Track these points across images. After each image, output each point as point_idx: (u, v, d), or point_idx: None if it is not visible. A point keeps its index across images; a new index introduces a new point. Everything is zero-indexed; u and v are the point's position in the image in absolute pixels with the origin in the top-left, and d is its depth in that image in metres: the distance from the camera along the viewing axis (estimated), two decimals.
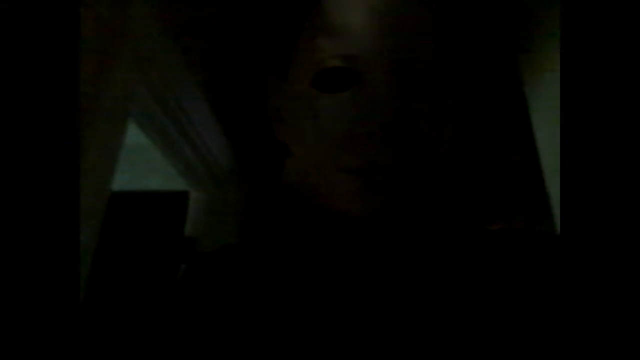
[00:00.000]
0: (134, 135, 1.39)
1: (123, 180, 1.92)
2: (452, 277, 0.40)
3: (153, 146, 1.39)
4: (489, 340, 0.36)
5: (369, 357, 0.36)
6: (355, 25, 0.40)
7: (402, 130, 0.38)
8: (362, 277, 0.40)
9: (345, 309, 0.38)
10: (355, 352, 0.36)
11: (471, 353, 0.36)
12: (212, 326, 0.40)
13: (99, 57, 0.78)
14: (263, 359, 0.37)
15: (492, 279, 0.40)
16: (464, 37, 0.46)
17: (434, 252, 0.42)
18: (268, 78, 0.48)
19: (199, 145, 1.32)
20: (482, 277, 0.40)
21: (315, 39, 0.41)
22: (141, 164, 1.87)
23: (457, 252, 0.42)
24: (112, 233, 1.45)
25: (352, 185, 0.39)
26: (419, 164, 0.40)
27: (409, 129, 0.39)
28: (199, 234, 1.61)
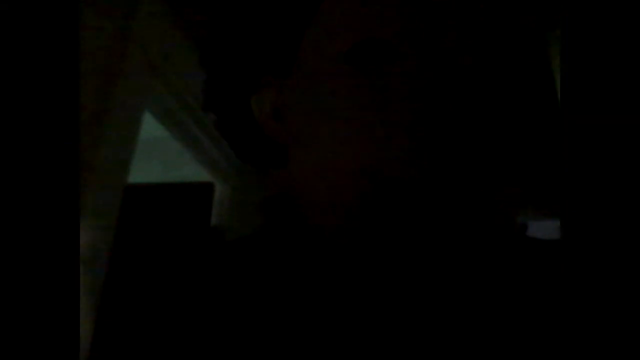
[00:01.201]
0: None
1: (157, 170, 1.98)
2: (456, 280, 0.40)
3: None
4: (490, 344, 0.36)
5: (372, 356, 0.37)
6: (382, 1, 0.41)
7: (434, 96, 0.40)
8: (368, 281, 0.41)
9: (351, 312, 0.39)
10: (359, 350, 0.37)
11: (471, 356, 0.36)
12: (229, 319, 0.40)
13: (107, 53, 0.80)
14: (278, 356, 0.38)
15: (494, 283, 0.40)
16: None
17: (446, 253, 0.42)
18: (263, 79, 0.45)
19: (219, 139, 1.33)
20: (486, 280, 0.40)
21: (342, 17, 0.42)
22: (174, 154, 1.92)
23: (467, 254, 0.42)
24: (139, 224, 1.50)
25: (402, 144, 0.40)
26: (457, 131, 0.41)
27: (440, 96, 0.40)
28: (225, 224, 1.64)
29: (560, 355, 0.33)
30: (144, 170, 1.66)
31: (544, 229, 2.01)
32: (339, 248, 0.43)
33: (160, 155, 1.68)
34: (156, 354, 0.40)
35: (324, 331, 0.38)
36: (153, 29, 0.95)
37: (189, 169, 1.69)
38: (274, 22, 0.43)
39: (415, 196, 0.41)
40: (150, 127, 1.45)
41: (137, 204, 1.44)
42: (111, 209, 0.90)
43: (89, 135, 0.84)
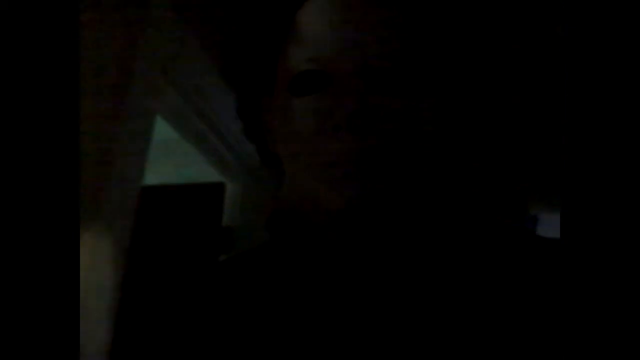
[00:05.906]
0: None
1: (169, 171, 1.99)
2: (444, 277, 0.40)
3: None
4: (486, 342, 0.36)
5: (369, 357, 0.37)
6: (324, 31, 0.43)
7: (368, 121, 0.40)
8: (352, 279, 0.42)
9: (343, 316, 0.40)
10: (356, 352, 0.38)
11: (468, 355, 0.36)
12: (236, 325, 0.42)
13: (121, 57, 0.82)
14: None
15: (485, 280, 0.40)
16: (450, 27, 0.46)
17: (424, 249, 0.43)
18: (262, 97, 0.49)
19: (229, 139, 1.35)
20: (475, 278, 0.40)
21: (289, 47, 0.44)
22: (184, 156, 1.93)
23: (449, 251, 0.42)
24: (151, 226, 1.51)
25: (327, 178, 0.42)
26: (394, 151, 0.42)
27: (375, 120, 0.40)
28: (236, 224, 1.65)
29: (556, 353, 0.33)
30: (157, 172, 1.67)
31: (555, 222, 2.00)
32: (337, 252, 0.44)
33: (171, 157, 1.69)
34: (171, 354, 0.42)
35: (325, 333, 0.39)
36: (163, 32, 0.97)
37: (200, 170, 1.70)
38: (253, 39, 0.47)
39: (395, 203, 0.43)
40: (159, 129, 1.45)
41: (151, 205, 1.45)
42: (129, 211, 0.92)
43: (105, 140, 0.86)
